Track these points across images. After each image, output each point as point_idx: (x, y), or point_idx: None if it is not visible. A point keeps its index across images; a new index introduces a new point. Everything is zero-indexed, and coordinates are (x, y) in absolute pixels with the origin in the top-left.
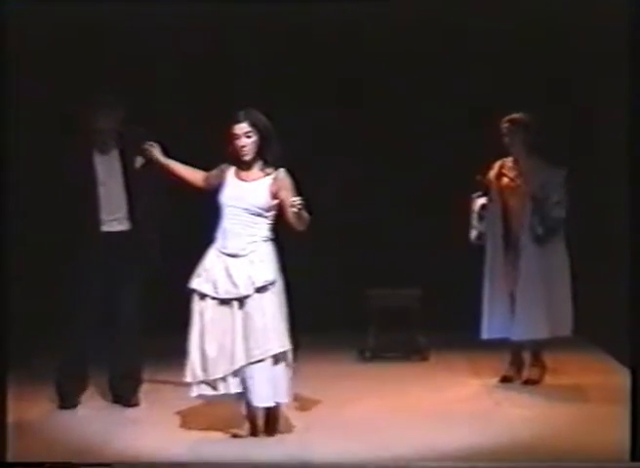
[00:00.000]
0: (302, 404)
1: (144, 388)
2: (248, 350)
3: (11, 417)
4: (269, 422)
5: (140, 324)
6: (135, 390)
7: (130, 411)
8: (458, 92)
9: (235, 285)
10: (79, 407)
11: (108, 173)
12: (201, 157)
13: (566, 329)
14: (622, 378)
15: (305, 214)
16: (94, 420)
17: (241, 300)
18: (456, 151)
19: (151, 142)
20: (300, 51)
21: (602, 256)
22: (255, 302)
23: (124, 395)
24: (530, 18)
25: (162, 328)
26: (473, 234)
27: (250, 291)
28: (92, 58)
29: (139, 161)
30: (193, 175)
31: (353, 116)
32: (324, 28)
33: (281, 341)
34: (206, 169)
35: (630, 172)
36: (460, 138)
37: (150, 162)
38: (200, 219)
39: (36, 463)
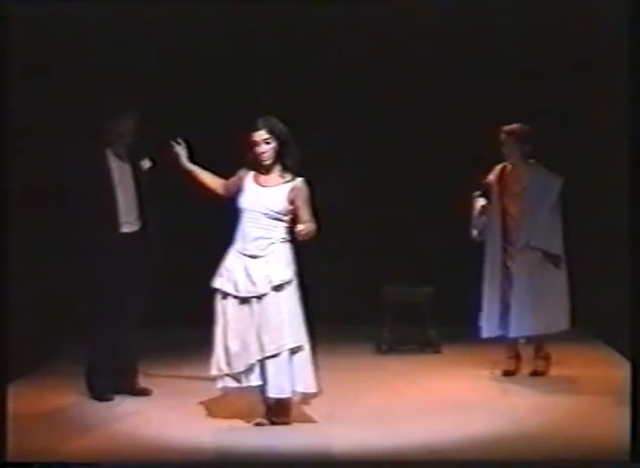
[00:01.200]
0: (322, 394)
1: (164, 380)
2: (264, 345)
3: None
4: (282, 411)
5: (141, 319)
6: (138, 379)
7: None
8: (463, 95)
9: (254, 284)
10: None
11: (122, 175)
12: (212, 162)
13: (563, 323)
14: (624, 370)
15: (311, 230)
16: (125, 411)
17: (259, 298)
18: (469, 153)
19: (179, 140)
20: (304, 54)
21: (602, 250)
22: (272, 300)
23: (135, 385)
24: (531, 23)
25: (171, 322)
26: (474, 233)
27: (267, 289)
28: (100, 60)
29: (146, 163)
30: (214, 183)
31: (366, 116)
32: (331, 31)
33: (296, 336)
34: (221, 174)
35: (630, 169)
36: (473, 139)
37: (175, 162)
38: (207, 219)
39: (29, 463)
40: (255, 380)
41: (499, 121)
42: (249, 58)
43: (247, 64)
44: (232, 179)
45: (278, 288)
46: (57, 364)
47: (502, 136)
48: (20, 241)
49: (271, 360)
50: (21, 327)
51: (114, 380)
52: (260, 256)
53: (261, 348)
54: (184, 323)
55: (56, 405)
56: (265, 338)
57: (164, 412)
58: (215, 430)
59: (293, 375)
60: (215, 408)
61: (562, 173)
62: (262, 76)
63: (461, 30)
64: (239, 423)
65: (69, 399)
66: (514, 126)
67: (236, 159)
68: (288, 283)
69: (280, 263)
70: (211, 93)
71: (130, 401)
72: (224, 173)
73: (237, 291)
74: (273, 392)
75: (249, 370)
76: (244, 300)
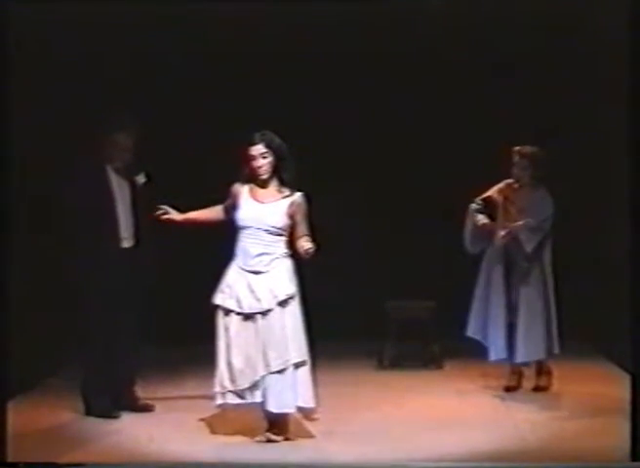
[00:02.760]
0: (324, 409)
1: (165, 397)
2: (269, 360)
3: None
4: (282, 427)
5: (138, 335)
6: (139, 396)
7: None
8: (463, 109)
9: (258, 300)
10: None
11: (121, 191)
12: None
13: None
14: (625, 384)
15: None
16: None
17: (264, 314)
18: (471, 167)
19: (162, 208)
20: (301, 69)
21: (603, 266)
22: (276, 315)
23: (137, 401)
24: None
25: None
26: (467, 245)
27: (272, 305)
28: (98, 67)
29: (141, 179)
30: (214, 213)
31: (373, 129)
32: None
33: (300, 351)
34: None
35: (632, 186)
36: (474, 154)
37: (171, 222)
38: (204, 235)
39: (22, 463)
40: (258, 397)
41: (499, 136)
42: (246, 72)
43: (244, 78)
44: (228, 201)
45: (283, 303)
46: (58, 380)
47: (516, 157)
48: (18, 258)
49: (275, 375)
50: (21, 343)
51: (117, 397)
52: (264, 272)
53: (267, 364)
54: (184, 339)
55: (57, 421)
56: (271, 354)
57: (166, 428)
58: (215, 445)
59: (295, 390)
60: (215, 423)
61: (563, 187)
62: (260, 90)
63: (461, 43)
64: (239, 439)
65: (70, 415)
66: (528, 148)
67: (233, 172)
68: (292, 297)
69: (284, 278)
70: (207, 107)
71: (132, 417)
72: (222, 185)
73: (240, 307)
74: (277, 407)
75: (253, 386)
76: (248, 317)
